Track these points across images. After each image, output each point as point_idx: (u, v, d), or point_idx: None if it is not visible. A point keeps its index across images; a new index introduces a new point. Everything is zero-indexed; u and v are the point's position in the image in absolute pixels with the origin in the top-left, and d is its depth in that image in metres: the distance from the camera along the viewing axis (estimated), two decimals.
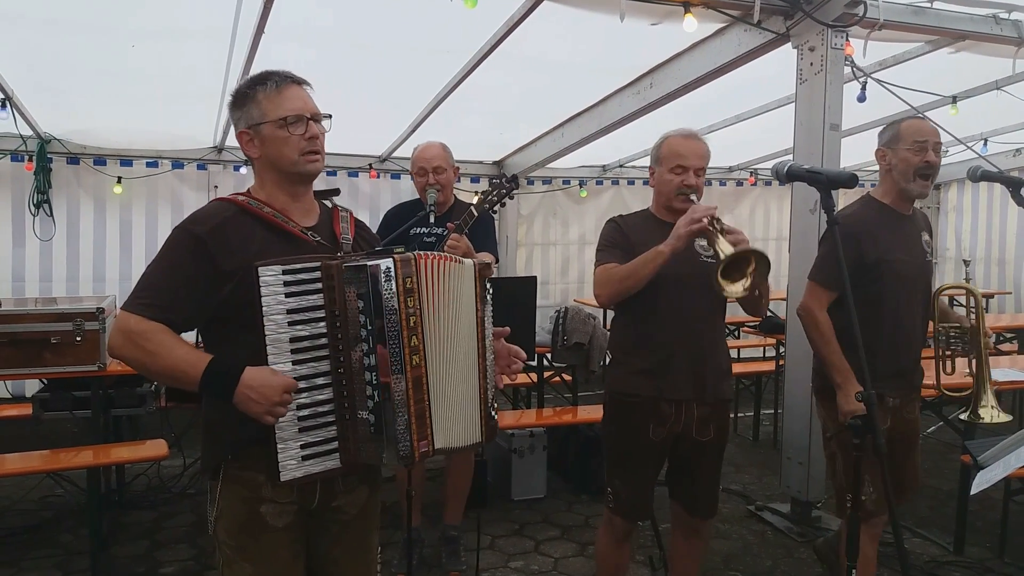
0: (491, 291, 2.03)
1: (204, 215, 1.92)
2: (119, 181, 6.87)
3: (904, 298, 2.97)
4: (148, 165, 7.04)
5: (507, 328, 2.09)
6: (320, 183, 2.10)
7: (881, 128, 3.13)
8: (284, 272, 1.77)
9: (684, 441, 2.90)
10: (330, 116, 2.02)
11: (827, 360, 2.97)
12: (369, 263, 1.80)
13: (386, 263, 1.80)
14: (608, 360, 3.19)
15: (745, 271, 2.61)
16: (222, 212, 1.92)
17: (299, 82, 1.99)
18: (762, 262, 2.59)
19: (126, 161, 6.97)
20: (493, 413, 2.03)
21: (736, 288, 2.61)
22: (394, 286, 1.80)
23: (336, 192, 2.18)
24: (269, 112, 1.93)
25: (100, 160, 6.89)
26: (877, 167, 3.12)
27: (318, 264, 1.82)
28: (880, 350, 2.89)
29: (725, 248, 2.58)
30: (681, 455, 2.95)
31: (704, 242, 2.91)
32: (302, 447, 1.80)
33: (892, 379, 2.94)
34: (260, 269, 1.75)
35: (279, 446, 1.78)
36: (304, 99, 1.97)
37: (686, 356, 2.85)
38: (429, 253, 1.88)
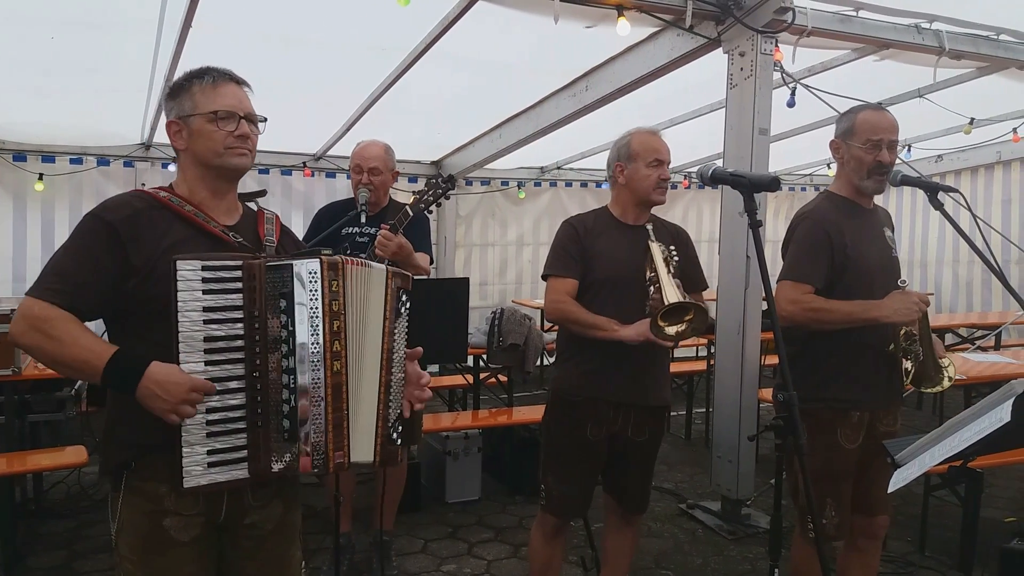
0: (407, 305, 1.94)
1: (118, 203, 1.86)
2: (40, 178, 6.62)
3: (867, 296, 2.73)
4: (72, 162, 6.81)
5: (420, 349, 2.00)
6: (253, 182, 2.05)
7: (838, 116, 2.95)
8: (204, 268, 1.71)
9: (619, 440, 2.93)
10: (265, 119, 1.99)
11: (848, 317, 2.69)
12: (295, 263, 1.76)
13: (312, 264, 1.76)
14: (554, 358, 3.21)
15: (683, 318, 2.72)
16: (136, 203, 1.86)
17: (238, 81, 1.97)
18: (700, 315, 2.70)
19: (48, 157, 6.73)
20: (394, 436, 1.91)
21: (670, 331, 2.71)
22: (319, 288, 1.76)
23: (262, 194, 2.14)
24: (201, 105, 1.90)
25: (20, 156, 6.63)
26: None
27: (239, 263, 1.76)
28: (839, 351, 2.75)
29: (670, 295, 2.66)
30: (615, 451, 2.97)
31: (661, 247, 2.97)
32: (208, 453, 1.72)
33: (855, 386, 2.75)
34: (178, 263, 1.69)
35: (184, 450, 1.69)
36: (240, 98, 1.94)
37: (631, 361, 2.86)
38: (350, 258, 1.84)
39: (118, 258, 1.78)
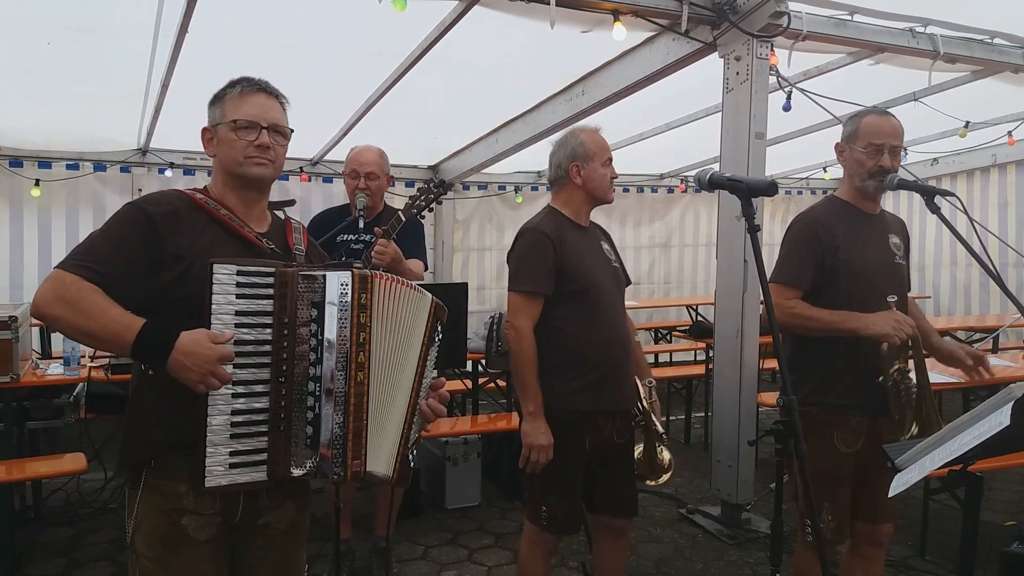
0: (441, 335, 2.01)
1: (160, 198, 1.91)
2: (37, 184, 6.61)
3: (865, 300, 2.69)
4: (68, 167, 6.80)
5: (443, 379, 2.08)
6: None
7: (846, 120, 2.97)
8: (239, 273, 1.74)
9: (606, 446, 2.91)
10: (292, 130, 2.03)
11: (828, 326, 2.69)
12: (328, 274, 1.81)
13: (344, 276, 1.81)
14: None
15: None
16: (176, 201, 1.91)
17: (270, 92, 2.00)
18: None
19: (44, 163, 6.72)
20: (410, 456, 1.96)
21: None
22: (349, 300, 1.80)
23: (291, 203, 2.20)
24: (228, 113, 1.95)
25: (16, 162, 6.62)
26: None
27: (272, 270, 1.79)
28: (837, 357, 2.73)
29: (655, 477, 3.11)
30: (601, 459, 2.93)
31: (607, 245, 3.05)
32: (231, 454, 1.74)
33: (855, 393, 2.72)
34: (215, 266, 1.71)
35: (208, 449, 1.72)
36: (266, 108, 1.97)
37: (621, 367, 2.89)
38: (388, 275, 1.90)
39: (152, 251, 1.81)
